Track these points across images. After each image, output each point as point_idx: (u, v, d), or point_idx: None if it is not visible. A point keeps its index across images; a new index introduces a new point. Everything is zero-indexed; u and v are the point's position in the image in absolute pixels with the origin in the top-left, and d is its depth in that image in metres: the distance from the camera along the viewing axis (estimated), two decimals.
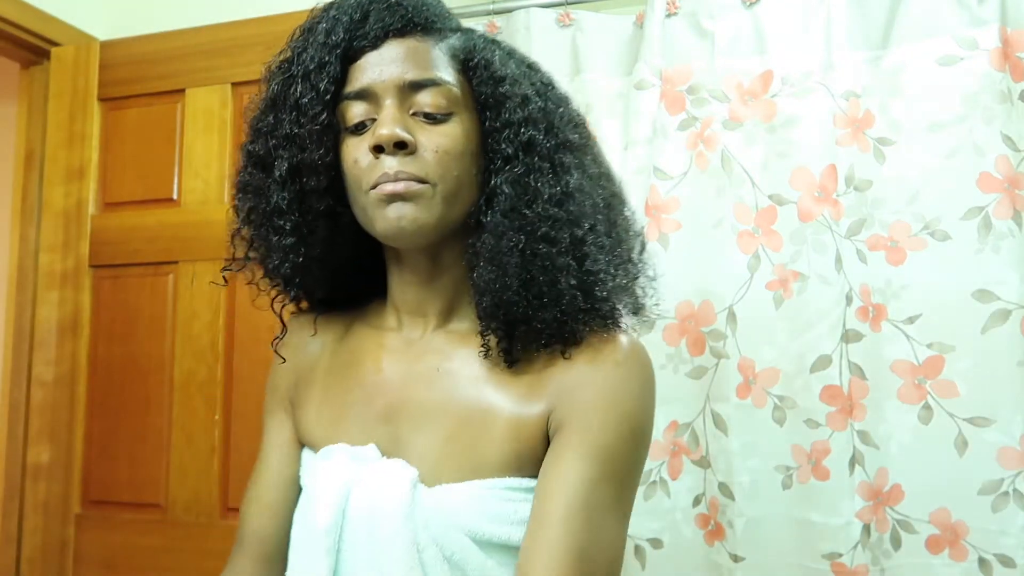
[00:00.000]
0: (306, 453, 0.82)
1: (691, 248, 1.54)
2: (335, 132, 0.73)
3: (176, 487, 1.70)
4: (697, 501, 1.51)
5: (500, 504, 0.70)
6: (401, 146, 0.70)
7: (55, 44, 1.88)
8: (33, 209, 1.89)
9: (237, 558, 0.82)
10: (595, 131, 1.65)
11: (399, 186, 0.70)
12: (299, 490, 0.81)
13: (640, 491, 1.50)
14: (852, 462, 1.42)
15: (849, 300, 1.45)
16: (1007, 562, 1.32)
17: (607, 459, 0.70)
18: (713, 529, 1.49)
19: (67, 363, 1.81)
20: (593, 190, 0.77)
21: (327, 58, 0.72)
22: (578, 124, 0.81)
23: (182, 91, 1.81)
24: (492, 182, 0.74)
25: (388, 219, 0.71)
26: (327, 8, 0.75)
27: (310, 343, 0.85)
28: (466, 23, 1.75)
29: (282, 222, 0.74)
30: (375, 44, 0.72)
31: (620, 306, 0.75)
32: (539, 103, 0.76)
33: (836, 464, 1.42)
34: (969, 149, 1.41)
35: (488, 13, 1.75)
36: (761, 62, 1.54)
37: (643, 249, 0.83)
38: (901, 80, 1.46)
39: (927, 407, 1.39)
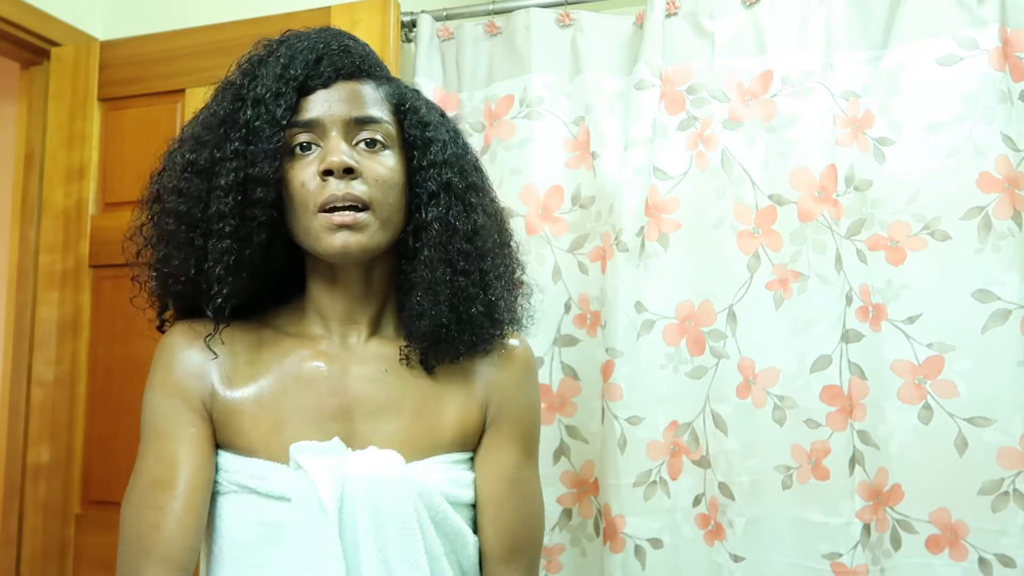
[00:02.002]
0: (238, 459, 0.83)
1: (691, 248, 1.54)
2: (282, 153, 0.82)
3: None
4: (697, 501, 1.51)
5: (457, 472, 0.88)
6: (348, 171, 0.80)
7: (55, 44, 1.88)
8: (33, 209, 1.89)
9: (149, 572, 0.78)
10: (594, 131, 1.66)
11: (347, 217, 0.80)
12: (210, 497, 0.83)
13: (640, 491, 1.50)
14: (852, 462, 1.42)
15: (849, 300, 1.45)
16: (1007, 562, 1.33)
17: (530, 442, 0.95)
18: (713, 529, 1.49)
19: (67, 363, 1.81)
20: (492, 227, 0.91)
21: (283, 89, 0.82)
22: (479, 168, 0.94)
23: (182, 91, 1.80)
24: (420, 216, 0.86)
25: (335, 244, 0.81)
26: (279, 45, 0.87)
27: (218, 350, 0.86)
28: (466, 23, 1.77)
29: (221, 225, 0.81)
30: (326, 84, 0.84)
31: (509, 322, 0.93)
32: (453, 149, 0.89)
33: (836, 464, 1.42)
34: (969, 149, 1.41)
35: (488, 13, 1.75)
36: (761, 62, 1.54)
37: (523, 273, 0.99)
38: (901, 80, 1.47)
39: (927, 407, 1.39)
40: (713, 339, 1.51)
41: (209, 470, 0.83)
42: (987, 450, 1.35)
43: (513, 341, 0.95)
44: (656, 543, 1.50)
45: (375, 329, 0.91)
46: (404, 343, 0.89)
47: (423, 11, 1.77)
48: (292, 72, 0.83)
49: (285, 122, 0.81)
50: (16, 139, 1.94)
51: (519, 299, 0.95)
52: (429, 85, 1.74)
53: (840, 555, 1.40)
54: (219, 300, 0.82)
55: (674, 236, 1.55)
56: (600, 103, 1.64)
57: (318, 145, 0.83)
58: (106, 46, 1.87)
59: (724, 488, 1.47)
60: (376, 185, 0.82)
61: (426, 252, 0.85)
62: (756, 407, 1.47)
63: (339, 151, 0.80)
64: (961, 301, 1.39)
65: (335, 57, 0.85)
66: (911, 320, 1.42)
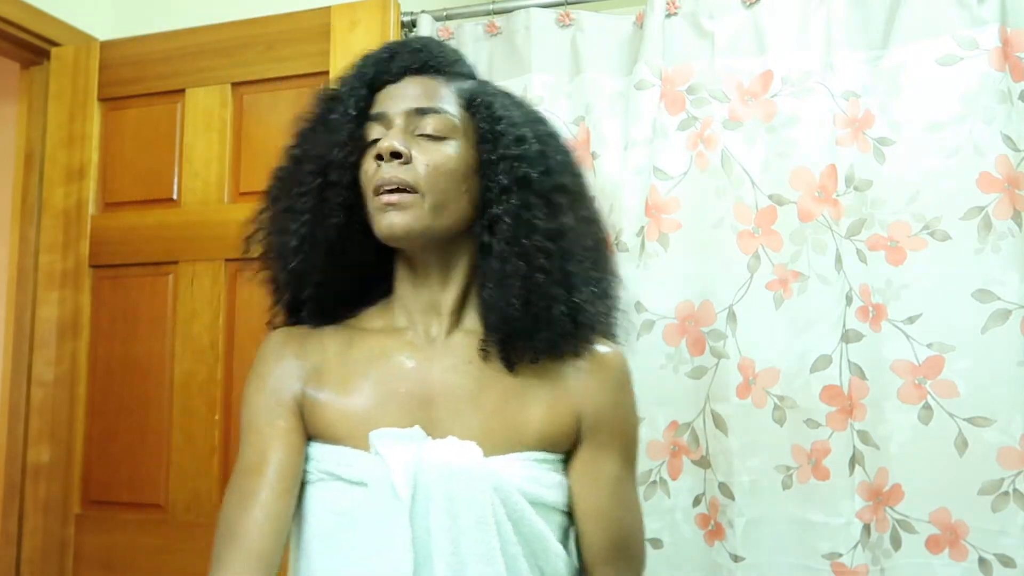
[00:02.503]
0: (325, 447, 0.86)
1: (691, 248, 1.54)
2: (361, 146, 0.88)
3: (176, 487, 1.70)
4: (697, 501, 1.51)
5: (539, 471, 0.86)
6: (396, 155, 0.84)
7: (55, 44, 1.88)
8: (33, 209, 1.88)
9: (237, 566, 0.80)
10: (594, 131, 1.66)
11: (393, 197, 0.84)
12: (299, 486, 0.86)
13: (640, 491, 1.50)
14: (852, 462, 1.42)
15: (849, 300, 1.45)
16: (1007, 562, 1.33)
17: (628, 456, 0.95)
18: (713, 529, 1.49)
19: (67, 363, 1.81)
20: (583, 232, 0.91)
21: (356, 85, 0.90)
22: (574, 172, 0.94)
23: (182, 91, 1.80)
24: (492, 209, 0.86)
25: (382, 224, 0.85)
26: (370, 53, 0.94)
27: (310, 352, 0.90)
28: (466, 23, 1.77)
29: (304, 201, 0.88)
30: (395, 79, 0.89)
31: (600, 331, 0.92)
32: (536, 146, 0.89)
33: (836, 464, 1.42)
34: (969, 149, 1.41)
35: (488, 13, 1.75)
36: (761, 62, 1.54)
37: (619, 286, 0.97)
38: (901, 80, 1.47)
39: (927, 407, 1.39)
40: (713, 339, 1.51)
41: (299, 459, 0.86)
42: (987, 450, 1.35)
43: (604, 348, 0.92)
44: (656, 543, 1.50)
45: (457, 321, 0.91)
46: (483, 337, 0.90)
47: (423, 11, 1.77)
48: (365, 71, 0.90)
49: (354, 113, 0.88)
50: (16, 139, 1.94)
51: (613, 310, 0.94)
52: None
53: (840, 555, 1.40)
54: (295, 266, 0.88)
55: (674, 236, 1.55)
56: (600, 103, 1.64)
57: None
58: (106, 46, 1.87)
59: (724, 488, 1.47)
60: (428, 170, 0.84)
61: (497, 246, 0.86)
62: (756, 407, 1.47)
63: (389, 137, 0.85)
64: (961, 301, 1.39)
65: (406, 55, 0.90)
66: (911, 320, 1.41)
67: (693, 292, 1.53)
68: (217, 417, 1.69)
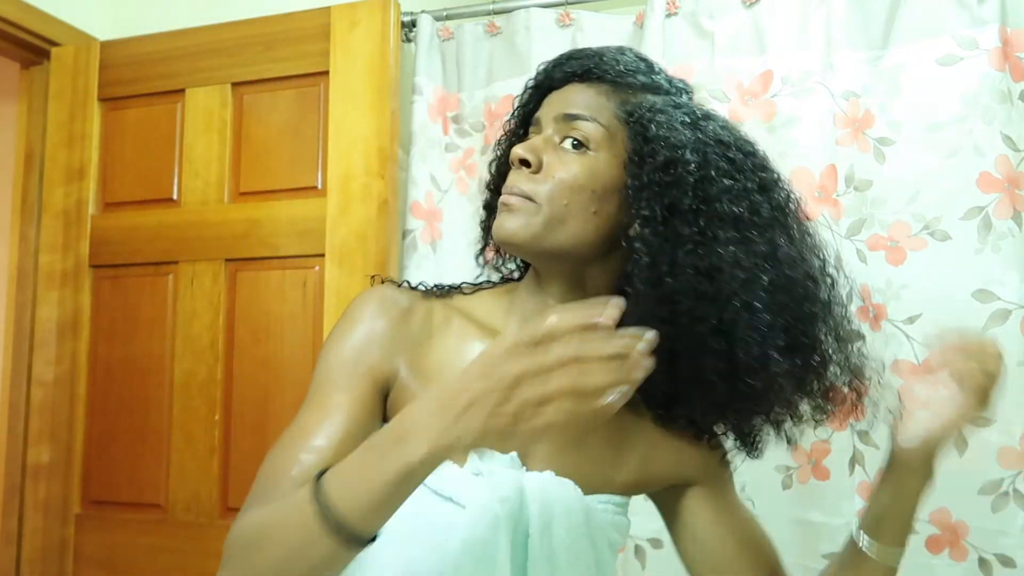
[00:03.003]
0: None
1: None
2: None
3: (176, 487, 1.70)
4: None
5: (617, 516, 0.85)
6: (525, 164, 0.79)
7: (55, 44, 1.88)
8: (33, 209, 1.89)
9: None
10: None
11: (510, 199, 0.79)
12: None
13: None
14: (852, 462, 1.42)
15: (849, 300, 1.45)
16: (1007, 562, 1.33)
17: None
18: None
19: (67, 363, 1.81)
20: (767, 267, 0.75)
21: (528, 90, 0.88)
22: (755, 202, 0.78)
23: (182, 91, 1.80)
24: (632, 234, 0.77)
25: (495, 225, 0.80)
26: (551, 59, 0.91)
27: (414, 326, 0.83)
28: (466, 23, 1.77)
29: (488, 193, 0.91)
30: (559, 85, 0.84)
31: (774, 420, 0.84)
32: (697, 173, 0.76)
33: (836, 464, 1.42)
34: (969, 149, 1.41)
35: (488, 13, 1.75)
36: (761, 62, 1.54)
37: (852, 355, 0.83)
38: (901, 80, 1.46)
39: None
40: None
41: (366, 431, 0.74)
42: (987, 450, 1.35)
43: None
44: (656, 543, 1.50)
45: None
46: None
47: (423, 11, 1.77)
48: (538, 75, 0.87)
49: (520, 116, 0.88)
50: (16, 139, 1.94)
51: (812, 373, 0.79)
52: (429, 85, 1.74)
53: None
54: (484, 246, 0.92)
55: None
56: None
57: None
58: (106, 46, 1.87)
59: None
60: (554, 182, 0.78)
61: (636, 280, 0.76)
62: None
63: (523, 144, 0.81)
64: (961, 301, 1.39)
65: (573, 61, 0.85)
66: (911, 320, 1.41)
67: None
68: (217, 417, 1.69)
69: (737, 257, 0.74)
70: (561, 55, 0.87)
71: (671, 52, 1.60)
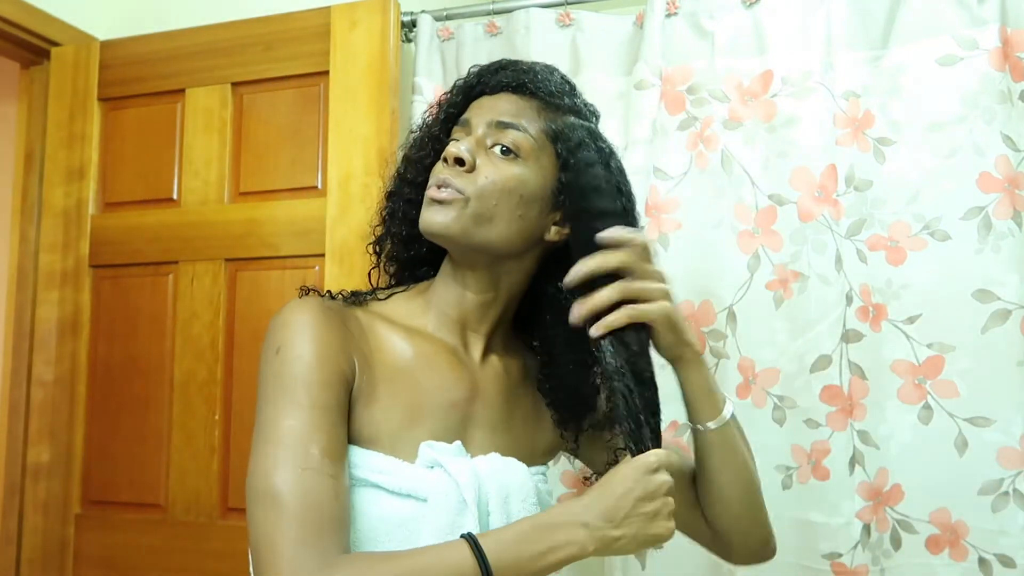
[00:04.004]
0: (360, 452, 0.80)
1: (691, 248, 1.54)
2: (439, 149, 0.90)
3: (176, 487, 1.70)
4: None
5: (547, 485, 0.96)
6: (460, 162, 0.85)
7: (55, 44, 1.88)
8: (33, 209, 1.88)
9: (338, 537, 0.72)
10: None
11: (441, 194, 0.84)
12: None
13: None
14: (852, 462, 1.42)
15: (849, 300, 1.45)
16: (1007, 562, 1.33)
17: None
18: None
19: (67, 363, 1.81)
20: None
21: (456, 94, 0.93)
22: (628, 222, 0.91)
23: (182, 91, 1.80)
24: (548, 239, 0.89)
25: (423, 217, 0.86)
26: (482, 65, 0.95)
27: (355, 335, 0.84)
28: (466, 23, 1.77)
29: (391, 197, 0.95)
30: (492, 92, 0.90)
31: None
32: (604, 199, 0.86)
33: (836, 464, 1.42)
34: (969, 149, 1.41)
35: (488, 13, 1.75)
36: (761, 62, 1.54)
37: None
38: (901, 80, 1.46)
39: (927, 407, 1.39)
40: (713, 339, 1.51)
41: (345, 433, 0.80)
42: (987, 450, 1.35)
43: None
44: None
45: (492, 335, 0.94)
46: (523, 357, 0.97)
47: (423, 11, 1.77)
48: (469, 80, 0.92)
49: (444, 117, 0.92)
50: (16, 139, 1.94)
51: None
52: (429, 85, 1.74)
53: (840, 555, 1.40)
54: (387, 243, 0.95)
55: (674, 236, 1.55)
56: (600, 103, 1.60)
57: None
58: (106, 46, 1.87)
59: None
60: (486, 183, 0.84)
61: (554, 277, 0.90)
62: (756, 407, 1.47)
63: (458, 144, 0.86)
64: (961, 301, 1.39)
65: (508, 72, 0.90)
66: (911, 320, 1.41)
67: (693, 292, 1.53)
68: (217, 417, 1.69)
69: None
70: (494, 63, 0.93)
71: (671, 52, 1.60)
